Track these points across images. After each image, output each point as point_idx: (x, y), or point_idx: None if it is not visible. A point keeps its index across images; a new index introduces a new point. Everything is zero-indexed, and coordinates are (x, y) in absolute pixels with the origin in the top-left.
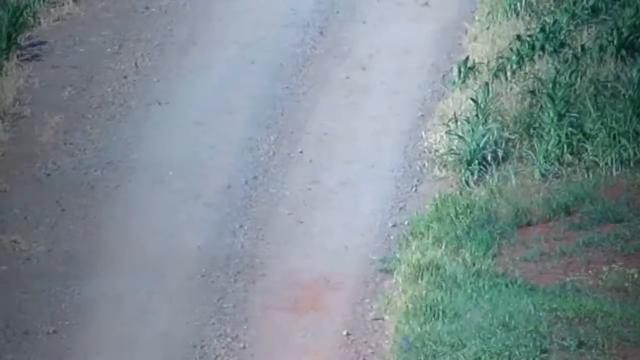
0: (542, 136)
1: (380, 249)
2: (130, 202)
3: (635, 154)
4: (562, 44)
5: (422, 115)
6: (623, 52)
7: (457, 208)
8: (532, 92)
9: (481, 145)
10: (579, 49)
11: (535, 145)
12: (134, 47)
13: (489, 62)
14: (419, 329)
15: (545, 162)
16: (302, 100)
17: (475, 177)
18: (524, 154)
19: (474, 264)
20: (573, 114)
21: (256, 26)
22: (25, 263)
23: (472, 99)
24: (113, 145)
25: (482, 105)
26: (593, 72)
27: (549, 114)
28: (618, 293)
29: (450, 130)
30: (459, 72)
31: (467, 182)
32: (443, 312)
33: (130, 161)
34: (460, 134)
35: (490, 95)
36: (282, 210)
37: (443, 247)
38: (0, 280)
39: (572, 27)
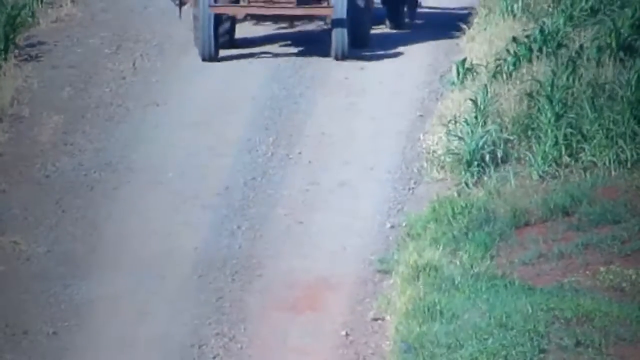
0: (540, 137)
1: (378, 249)
2: (129, 203)
3: (632, 155)
4: (560, 45)
5: (421, 116)
6: (621, 53)
7: (455, 209)
8: (530, 94)
9: (480, 146)
10: (577, 51)
11: (533, 146)
12: (133, 48)
13: (487, 63)
14: (417, 329)
15: (543, 163)
16: (301, 101)
17: (474, 178)
18: (522, 155)
19: (471, 265)
20: (571, 115)
21: (254, 27)
22: (25, 263)
23: (471, 100)
24: (112, 146)
25: (480, 107)
26: (591, 73)
27: (546, 115)
28: (615, 293)
29: (449, 131)
30: (458, 73)
31: (465, 183)
32: (441, 313)
33: (128, 162)
34: (459, 135)
35: (489, 96)
36: (280, 212)
37: (441, 248)
38: (0, 281)
39: (569, 29)
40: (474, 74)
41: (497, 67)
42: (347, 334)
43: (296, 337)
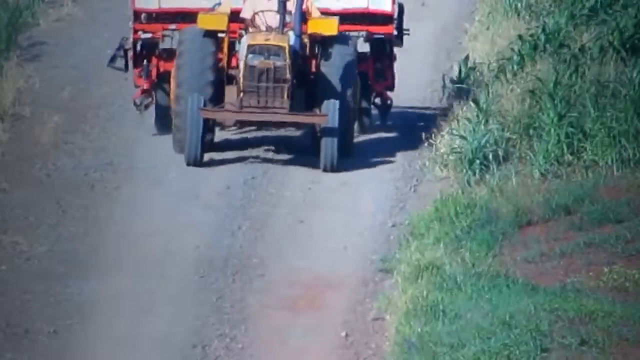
0: (542, 136)
1: (380, 249)
2: (130, 202)
3: (635, 154)
4: (563, 45)
5: (423, 115)
6: (623, 52)
7: (458, 208)
8: (532, 93)
9: (482, 145)
10: (580, 49)
11: (536, 145)
12: None
13: (490, 62)
14: (419, 329)
15: (545, 162)
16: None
17: (476, 176)
18: (524, 154)
19: (474, 264)
20: (573, 114)
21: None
22: (26, 263)
23: (473, 100)
24: (113, 145)
25: (483, 106)
26: (593, 72)
27: (549, 114)
28: (619, 293)
29: (451, 130)
30: (460, 71)
31: (468, 181)
32: (443, 312)
33: (129, 162)
34: (461, 133)
35: (491, 95)
36: (282, 211)
37: (443, 247)
38: (1, 280)
39: (572, 28)
40: (477, 73)
41: (499, 66)
42: (347, 334)
43: (297, 337)
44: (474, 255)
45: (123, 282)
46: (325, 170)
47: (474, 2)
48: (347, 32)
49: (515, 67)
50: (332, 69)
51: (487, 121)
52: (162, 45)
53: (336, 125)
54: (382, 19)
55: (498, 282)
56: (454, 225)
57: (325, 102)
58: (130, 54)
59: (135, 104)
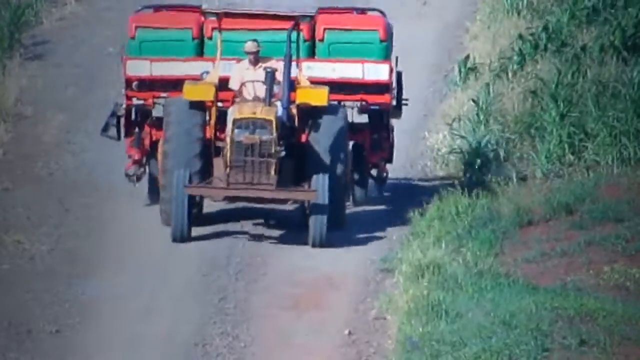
0: (543, 136)
1: (381, 248)
2: (132, 201)
3: (635, 153)
4: (564, 44)
5: (425, 115)
6: (624, 52)
7: (459, 207)
8: (534, 92)
9: (483, 144)
10: (581, 49)
11: (537, 145)
12: None
13: (491, 62)
14: (420, 328)
15: (547, 161)
16: None
17: (477, 176)
18: (525, 154)
19: (475, 264)
20: (574, 114)
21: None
22: (29, 262)
23: (473, 100)
24: (115, 145)
25: (483, 106)
26: (594, 72)
27: (550, 114)
28: (620, 292)
29: (452, 130)
30: (460, 71)
31: (469, 181)
32: (445, 311)
33: None
34: (462, 133)
35: (492, 95)
36: (284, 210)
37: (444, 246)
38: (4, 280)
39: (573, 27)
40: (477, 73)
41: (500, 65)
42: (349, 333)
43: (299, 336)
44: (475, 255)
45: (125, 281)
46: (314, 246)
47: (475, 1)
48: (338, 102)
49: (516, 66)
50: (321, 140)
51: (487, 121)
52: (154, 113)
53: (326, 201)
54: (379, 88)
55: (499, 281)
56: (455, 224)
57: (315, 177)
58: (122, 121)
59: (127, 175)
